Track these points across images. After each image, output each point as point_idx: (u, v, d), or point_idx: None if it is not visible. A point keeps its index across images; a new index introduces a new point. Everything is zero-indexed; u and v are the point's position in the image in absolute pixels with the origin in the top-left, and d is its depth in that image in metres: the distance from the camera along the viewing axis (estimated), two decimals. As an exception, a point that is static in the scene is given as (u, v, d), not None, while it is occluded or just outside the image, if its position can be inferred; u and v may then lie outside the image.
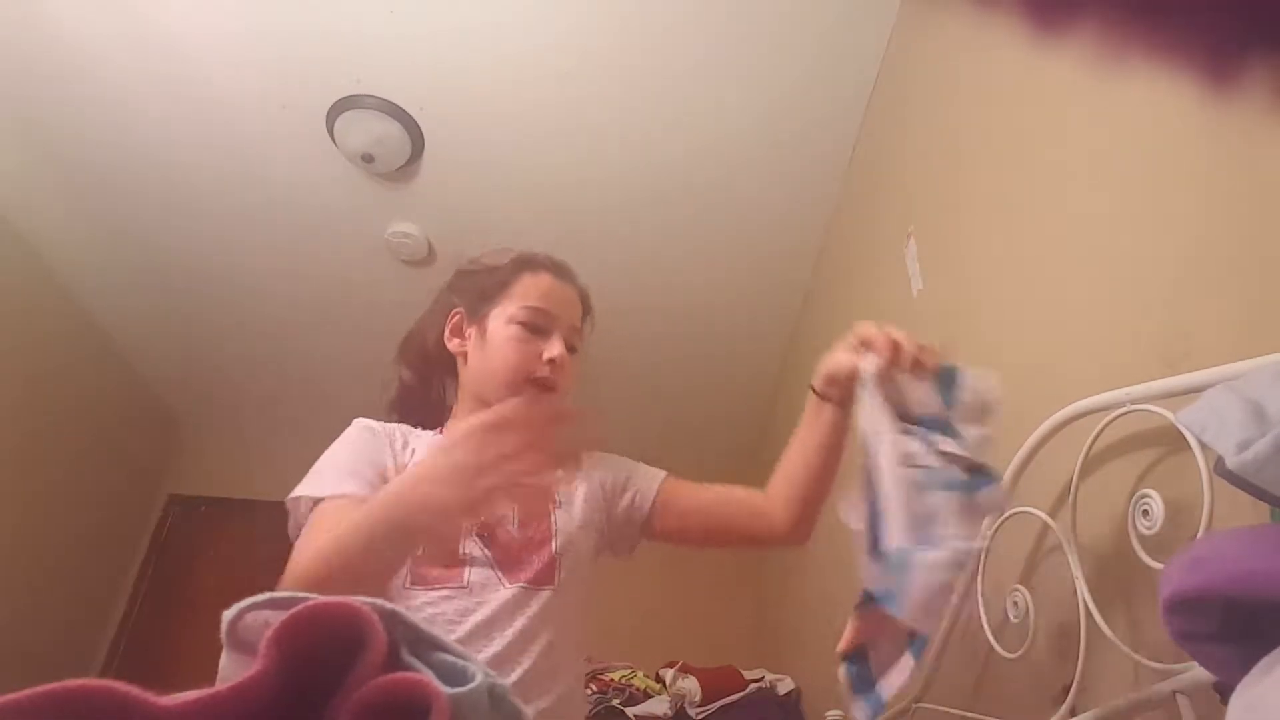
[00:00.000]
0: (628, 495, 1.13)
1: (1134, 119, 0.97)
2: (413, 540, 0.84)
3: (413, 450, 1.06)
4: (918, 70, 1.75)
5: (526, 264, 1.15)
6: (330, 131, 2.17)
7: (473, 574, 0.94)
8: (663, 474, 1.17)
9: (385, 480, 0.98)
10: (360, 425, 1.08)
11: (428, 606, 0.92)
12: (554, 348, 1.08)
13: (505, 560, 0.97)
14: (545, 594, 0.96)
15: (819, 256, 2.49)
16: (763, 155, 2.21)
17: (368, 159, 2.20)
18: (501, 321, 1.10)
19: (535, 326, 1.09)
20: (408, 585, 0.94)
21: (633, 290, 2.64)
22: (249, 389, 3.26)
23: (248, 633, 0.44)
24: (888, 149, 1.93)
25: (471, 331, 1.14)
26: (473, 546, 0.97)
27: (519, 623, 0.92)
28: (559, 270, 1.17)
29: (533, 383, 1.07)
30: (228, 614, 0.45)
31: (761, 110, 2.09)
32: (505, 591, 0.94)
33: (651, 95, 2.08)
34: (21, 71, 2.08)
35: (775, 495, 1.09)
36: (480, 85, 2.08)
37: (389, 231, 2.50)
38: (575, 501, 1.08)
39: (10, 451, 2.62)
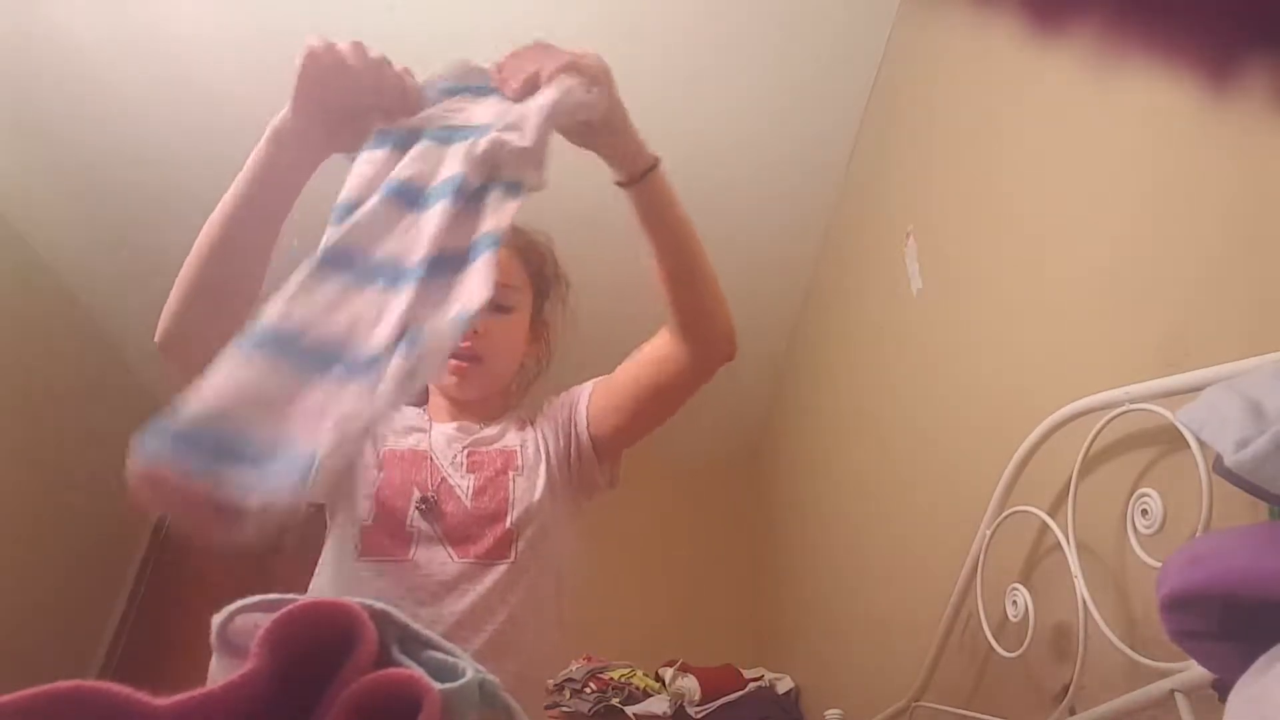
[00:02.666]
0: (573, 431, 1.03)
1: (1134, 119, 0.97)
2: (268, 177, 0.85)
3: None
4: (918, 70, 1.75)
5: None
6: (330, 131, 2.17)
7: (419, 550, 0.89)
8: (590, 386, 1.06)
9: None
10: None
11: (376, 580, 0.87)
12: None
13: (454, 534, 0.91)
14: (500, 568, 0.90)
15: (819, 256, 2.50)
16: (762, 156, 2.21)
17: (367, 158, 2.20)
18: None
19: None
20: (357, 557, 0.90)
21: (632, 292, 2.63)
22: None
23: (237, 636, 0.44)
24: (887, 149, 1.93)
25: None
26: (419, 521, 0.91)
27: (469, 599, 0.87)
28: None
29: (450, 357, 0.98)
30: (217, 618, 0.44)
31: (761, 111, 2.09)
32: (453, 566, 0.88)
33: (650, 96, 2.07)
34: (21, 73, 2.08)
35: (666, 322, 0.98)
36: (480, 84, 2.08)
37: (389, 231, 2.50)
38: (537, 467, 1.00)
39: (10, 451, 2.62)
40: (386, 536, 0.90)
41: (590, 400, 1.04)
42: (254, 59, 2.02)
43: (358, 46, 0.83)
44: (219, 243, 0.83)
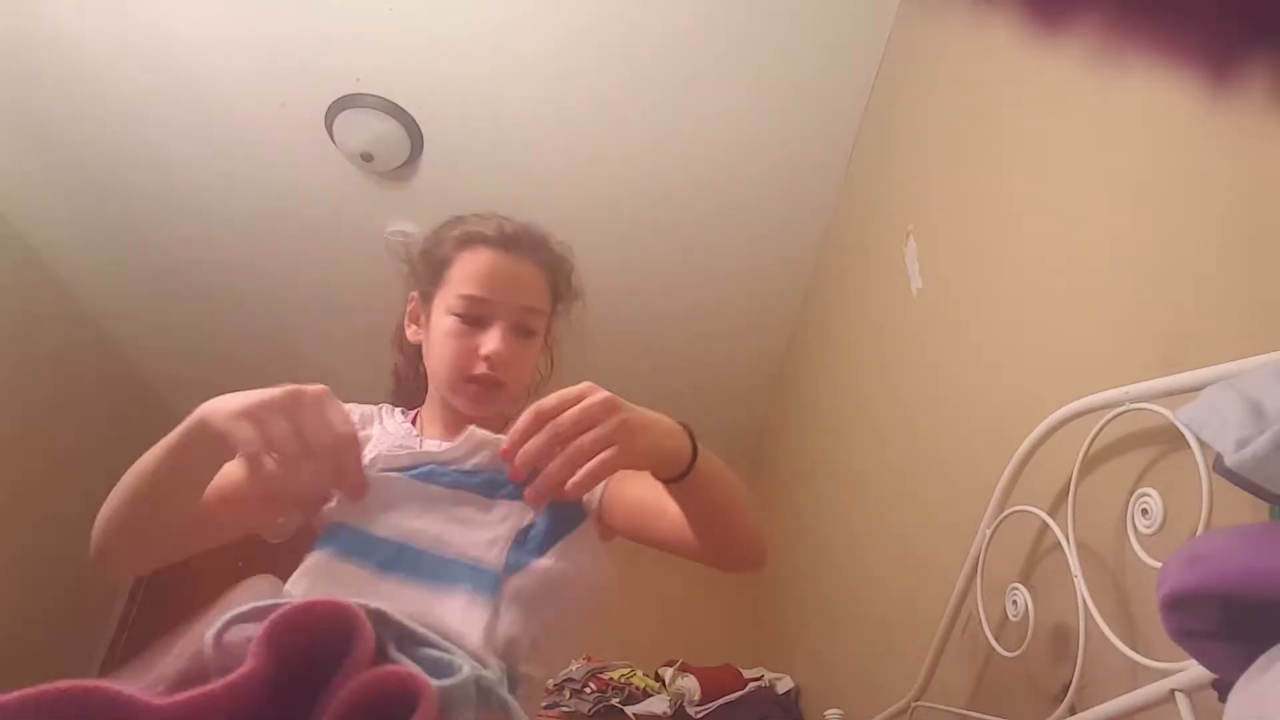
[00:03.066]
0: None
1: (1134, 118, 0.97)
2: (181, 460, 0.80)
3: (370, 434, 1.01)
4: (918, 70, 1.75)
5: (466, 240, 1.02)
6: (329, 130, 2.17)
7: None
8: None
9: None
10: None
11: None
12: (490, 341, 0.97)
13: None
14: None
15: (819, 256, 2.49)
16: (763, 156, 2.21)
17: (367, 158, 2.20)
18: (440, 312, 1.00)
19: (472, 317, 0.98)
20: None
21: (632, 291, 2.64)
22: (247, 387, 3.25)
23: (232, 647, 0.43)
24: (887, 149, 1.93)
25: (424, 318, 1.05)
26: None
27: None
28: (506, 242, 1.02)
29: (472, 381, 0.98)
30: (210, 631, 0.44)
31: (761, 111, 2.09)
32: None
33: (650, 96, 2.08)
34: (21, 74, 2.08)
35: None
36: (480, 85, 2.08)
37: (388, 230, 2.50)
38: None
39: (10, 451, 2.62)
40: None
41: (606, 489, 1.00)
42: (254, 59, 2.02)
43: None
44: (151, 502, 0.84)
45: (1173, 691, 0.73)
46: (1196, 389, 0.72)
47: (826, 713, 1.75)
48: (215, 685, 0.35)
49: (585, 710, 2.26)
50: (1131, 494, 0.85)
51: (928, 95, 1.69)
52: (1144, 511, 0.81)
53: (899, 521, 1.68)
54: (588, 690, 2.30)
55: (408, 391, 1.16)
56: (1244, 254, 0.78)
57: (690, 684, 2.34)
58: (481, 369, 0.98)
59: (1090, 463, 0.96)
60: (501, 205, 2.63)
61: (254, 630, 0.41)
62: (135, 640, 3.07)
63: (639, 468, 0.79)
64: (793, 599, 2.65)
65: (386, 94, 2.10)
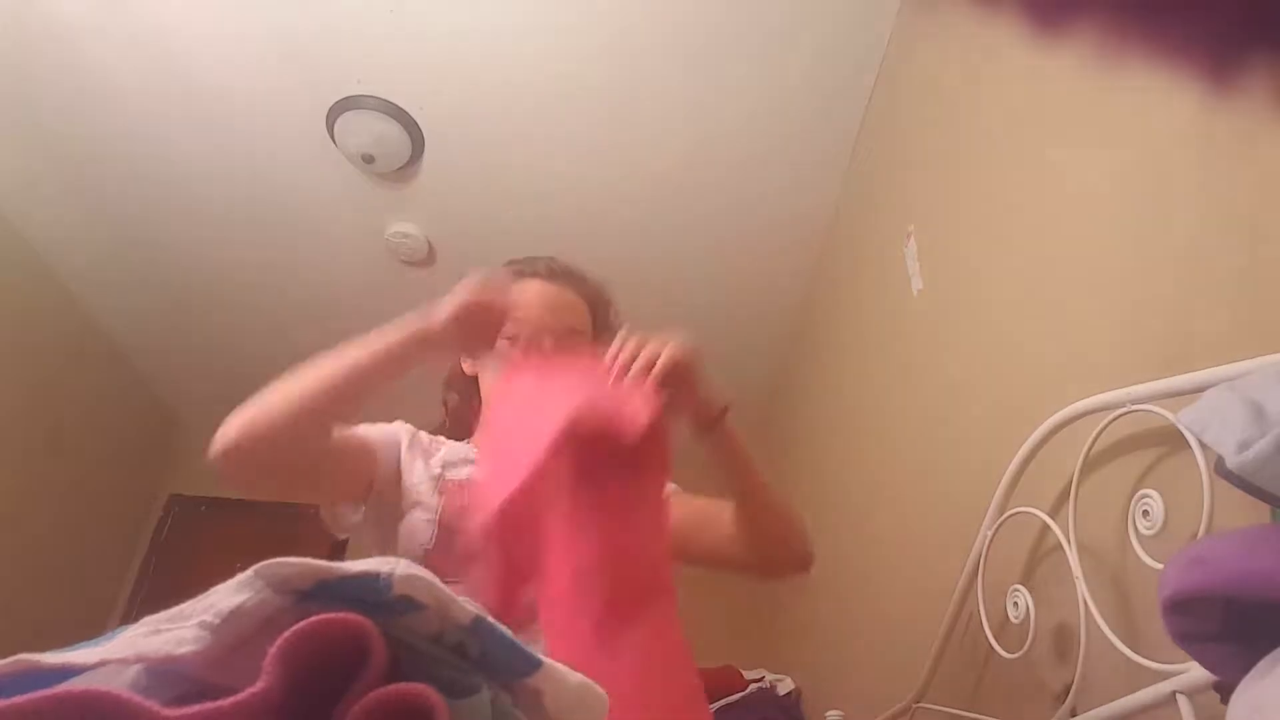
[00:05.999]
0: None
1: (1134, 119, 0.97)
2: (394, 369, 0.92)
3: (438, 452, 1.08)
4: (918, 70, 1.75)
5: (517, 276, 1.12)
6: (330, 131, 2.17)
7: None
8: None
9: (382, 481, 1.02)
10: (397, 423, 1.11)
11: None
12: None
13: None
14: None
15: (819, 256, 2.49)
16: (763, 156, 2.21)
17: (368, 159, 2.20)
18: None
19: (523, 340, 1.08)
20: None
21: (632, 291, 2.63)
22: (249, 389, 3.24)
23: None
24: (888, 149, 1.93)
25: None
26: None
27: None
28: (552, 274, 1.13)
29: None
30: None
31: (762, 110, 2.09)
32: None
33: (651, 95, 2.08)
34: (20, 73, 2.08)
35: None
36: (480, 85, 2.08)
37: (389, 231, 2.50)
38: None
39: (11, 451, 2.62)
40: (451, 560, 0.93)
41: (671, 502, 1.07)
42: (255, 61, 2.02)
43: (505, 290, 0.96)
44: (327, 400, 0.93)
45: (1174, 693, 0.73)
46: (1198, 391, 0.72)
47: (827, 714, 1.75)
48: (224, 701, 0.35)
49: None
50: (1133, 495, 0.85)
51: (928, 95, 1.69)
52: (1145, 513, 0.81)
53: (900, 523, 1.68)
54: (588, 691, 2.30)
55: (461, 424, 1.21)
56: (1244, 255, 0.78)
57: (691, 685, 2.33)
58: None
59: (1091, 464, 0.96)
60: (502, 206, 2.62)
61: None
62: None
63: (689, 387, 0.93)
64: (794, 600, 2.65)
65: (387, 95, 2.10)
